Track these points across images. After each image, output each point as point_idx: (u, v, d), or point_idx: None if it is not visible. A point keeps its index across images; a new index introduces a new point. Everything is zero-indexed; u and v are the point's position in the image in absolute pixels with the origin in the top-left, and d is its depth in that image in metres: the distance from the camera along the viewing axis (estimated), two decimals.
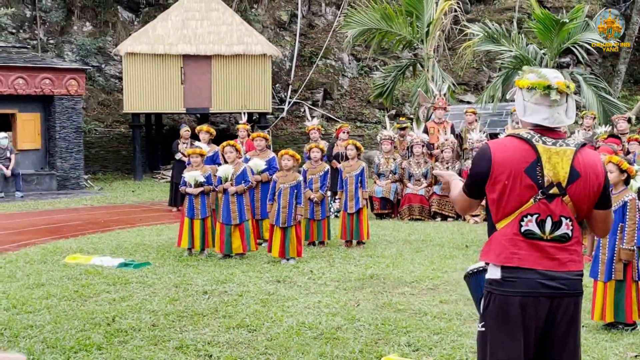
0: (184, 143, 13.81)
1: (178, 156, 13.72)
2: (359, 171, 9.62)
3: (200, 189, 8.89)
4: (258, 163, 9.52)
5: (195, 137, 11.91)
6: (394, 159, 13.08)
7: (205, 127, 10.63)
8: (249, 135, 12.87)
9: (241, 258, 8.64)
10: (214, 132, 10.66)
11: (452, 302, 6.45)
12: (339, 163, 11.29)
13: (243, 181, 8.69)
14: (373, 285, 7.13)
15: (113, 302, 6.35)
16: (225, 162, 9.07)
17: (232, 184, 8.69)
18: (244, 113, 13.23)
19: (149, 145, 21.55)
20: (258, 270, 7.91)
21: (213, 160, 10.27)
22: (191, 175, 8.84)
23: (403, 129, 14.06)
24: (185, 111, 20.27)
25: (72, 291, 6.78)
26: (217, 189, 8.88)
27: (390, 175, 13.04)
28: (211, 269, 7.99)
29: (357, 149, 9.74)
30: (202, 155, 9.03)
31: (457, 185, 3.25)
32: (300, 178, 8.60)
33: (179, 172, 12.32)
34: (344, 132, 12.63)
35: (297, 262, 8.35)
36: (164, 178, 19.82)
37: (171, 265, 8.21)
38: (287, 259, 8.39)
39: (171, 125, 22.83)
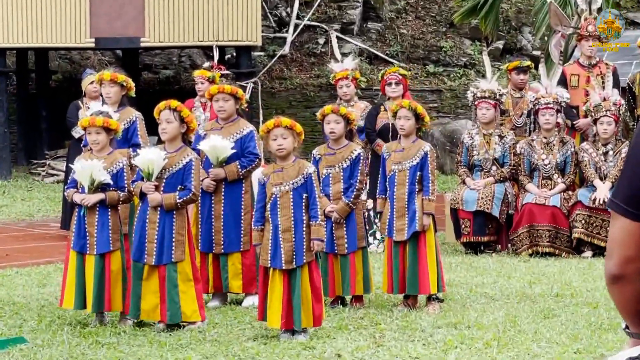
0: (89, 107, 13.85)
1: (77, 132, 13.79)
2: (417, 160, 9.62)
3: (100, 195, 8.90)
4: (218, 144, 9.50)
5: None
6: (501, 137, 13.09)
7: (107, 73, 10.63)
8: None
9: (202, 330, 8.70)
10: (131, 84, 10.63)
11: None
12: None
13: (180, 187, 8.65)
14: None
15: None
16: (161, 142, 9.09)
17: (157, 188, 8.70)
18: (216, 47, 13.31)
19: (24, 112, 21.65)
20: (236, 354, 7.94)
21: (127, 138, 10.31)
22: (84, 169, 8.84)
23: (522, 72, 13.99)
24: (93, 45, 20.33)
25: None
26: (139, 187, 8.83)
27: (494, 168, 13.06)
28: (144, 351, 8.02)
29: (418, 117, 9.70)
30: (108, 129, 9.00)
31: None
32: (311, 169, 8.57)
33: None
34: (390, 84, 12.69)
35: (311, 337, 8.38)
36: (52, 175, 19.91)
37: (66, 343, 8.23)
38: (294, 332, 8.44)
39: (67, 73, 22.93)
